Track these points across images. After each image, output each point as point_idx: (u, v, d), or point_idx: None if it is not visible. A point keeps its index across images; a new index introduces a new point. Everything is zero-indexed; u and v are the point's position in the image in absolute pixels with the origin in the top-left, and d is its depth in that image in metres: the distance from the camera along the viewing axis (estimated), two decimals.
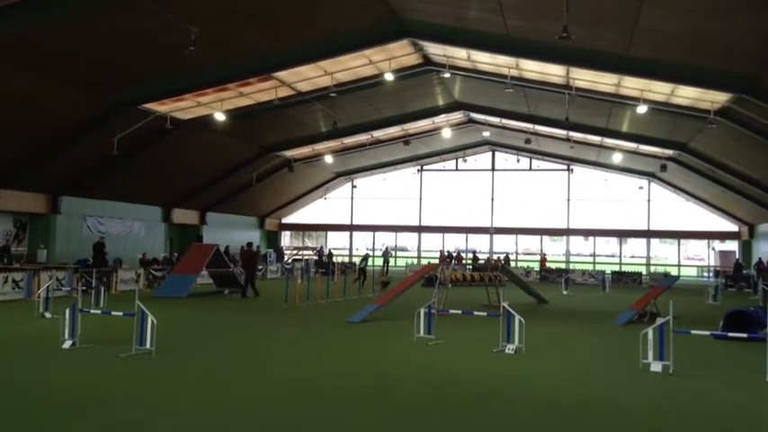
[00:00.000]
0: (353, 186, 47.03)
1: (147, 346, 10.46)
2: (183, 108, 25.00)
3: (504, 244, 45.67)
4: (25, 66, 18.08)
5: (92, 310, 12.78)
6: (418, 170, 46.37)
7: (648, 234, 43.44)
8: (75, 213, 28.03)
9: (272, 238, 46.33)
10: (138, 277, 24.02)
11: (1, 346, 11.48)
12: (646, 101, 22.99)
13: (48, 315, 15.00)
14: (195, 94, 23.56)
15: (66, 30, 16.64)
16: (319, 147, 35.75)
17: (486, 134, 39.05)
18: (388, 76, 24.31)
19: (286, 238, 49.57)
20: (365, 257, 28.62)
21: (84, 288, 18.48)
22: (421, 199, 46.54)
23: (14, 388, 8.36)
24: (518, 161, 41.64)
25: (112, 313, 12.09)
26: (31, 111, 20.29)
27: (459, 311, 14.32)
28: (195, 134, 27.12)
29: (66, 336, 11.07)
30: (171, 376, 9.22)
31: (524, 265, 41.38)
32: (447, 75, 25.21)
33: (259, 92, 24.90)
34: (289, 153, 35.38)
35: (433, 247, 46.30)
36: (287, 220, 47.85)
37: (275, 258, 40.66)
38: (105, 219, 29.65)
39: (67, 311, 11.14)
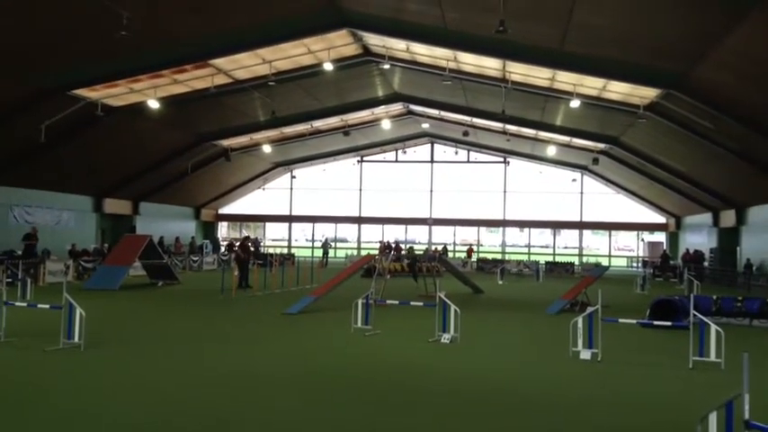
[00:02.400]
0: (293, 177, 46.63)
1: (76, 339, 10.15)
2: (116, 95, 24.21)
3: (442, 235, 46.18)
4: None
5: (17, 303, 12.30)
6: (358, 161, 46.33)
7: (581, 225, 44.65)
8: (1, 203, 26.86)
9: (209, 229, 45.52)
10: (67, 269, 23.24)
11: None
12: (579, 95, 23.57)
13: None
14: (128, 80, 22.86)
15: None
16: (258, 136, 35.26)
17: (425, 126, 39.33)
18: (328, 66, 24.15)
19: (223, 229, 48.81)
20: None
21: (9, 280, 17.82)
22: (361, 190, 46.53)
23: None
24: (456, 153, 42.09)
25: (39, 306, 11.69)
26: None
27: (397, 302, 14.42)
28: (128, 121, 26.32)
29: None
30: (99, 369, 8.96)
31: (462, 255, 41.95)
32: (386, 66, 25.23)
33: (195, 79, 24.34)
34: (226, 142, 34.76)
35: (372, 237, 46.42)
36: (224, 210, 47.08)
37: (211, 249, 40.01)
38: (33, 208, 28.50)
39: None
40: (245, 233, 49.57)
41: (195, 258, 33.29)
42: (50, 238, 28.00)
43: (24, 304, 12.92)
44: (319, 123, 35.01)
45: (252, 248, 39.28)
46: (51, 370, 8.90)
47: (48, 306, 11.19)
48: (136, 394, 7.72)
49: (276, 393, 7.92)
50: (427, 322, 12.78)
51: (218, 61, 23.02)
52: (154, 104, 24.75)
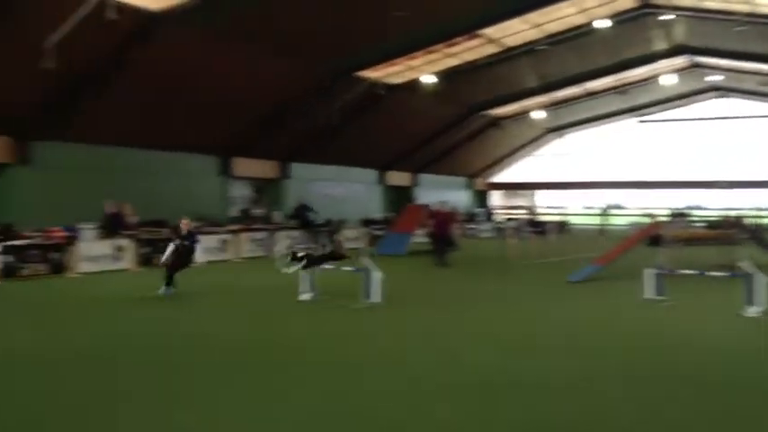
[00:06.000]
0: (565, 142, 45.42)
1: (375, 299, 11.16)
2: (395, 73, 25.75)
3: (739, 200, 41.45)
4: (253, 41, 19.53)
5: (325, 266, 13.81)
6: (639, 121, 43.40)
7: None
8: (303, 178, 30.24)
9: (482, 198, 46.46)
10: (360, 236, 25.45)
11: (254, 293, 12.96)
12: None
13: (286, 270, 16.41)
14: (406, 58, 24.13)
15: (288, 3, 17.79)
16: (527, 103, 34.96)
17: (715, 78, 35.49)
18: (603, 23, 22.94)
19: (495, 198, 49.41)
20: None
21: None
22: (640, 152, 43.67)
23: (272, 333, 9.45)
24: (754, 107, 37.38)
25: (343, 269, 13.03)
26: (260, 85, 22.12)
27: (692, 272, 13.35)
28: (406, 98, 27.85)
29: (305, 288, 12.16)
30: (400, 325, 9.88)
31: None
32: (670, 16, 23.15)
33: (466, 51, 24.86)
34: (496, 111, 35.04)
35: (655, 204, 43.35)
36: (495, 179, 47.61)
37: (485, 218, 40.76)
38: (328, 182, 31.65)
39: None
40: (515, 202, 49.46)
41: (472, 226, 34.28)
42: (345, 209, 30.91)
43: (331, 267, 14.46)
44: (592, 84, 33.55)
45: (533, 217, 39.16)
46: (361, 322, 10.07)
47: (351, 269, 12.43)
48: (430, 346, 8.28)
49: (569, 358, 7.89)
50: (728, 294, 11.69)
51: (488, 30, 23.19)
52: (429, 79, 25.79)
